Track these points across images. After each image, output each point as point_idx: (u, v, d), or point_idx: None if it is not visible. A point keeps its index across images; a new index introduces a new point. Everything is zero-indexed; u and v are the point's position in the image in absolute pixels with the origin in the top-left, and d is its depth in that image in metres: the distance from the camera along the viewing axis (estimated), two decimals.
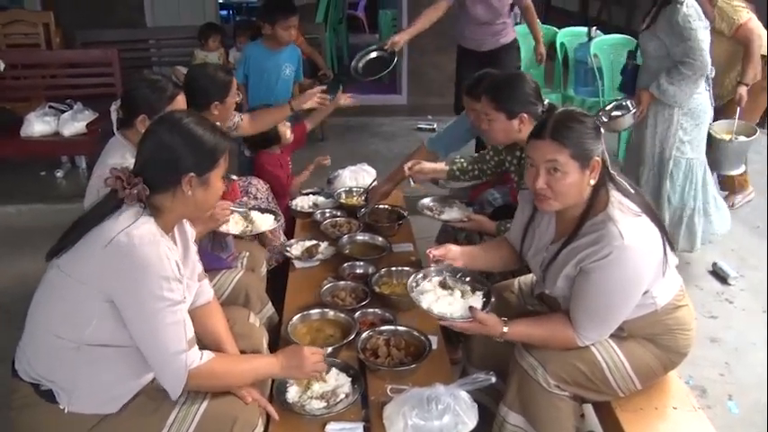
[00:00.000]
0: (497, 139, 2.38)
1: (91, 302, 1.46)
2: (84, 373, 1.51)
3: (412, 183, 2.90)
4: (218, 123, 2.68)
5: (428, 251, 2.01)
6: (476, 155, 2.86)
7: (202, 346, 1.62)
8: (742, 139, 3.51)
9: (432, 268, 2.00)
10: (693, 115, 3.17)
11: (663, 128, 3.20)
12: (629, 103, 3.27)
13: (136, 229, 1.44)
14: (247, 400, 1.66)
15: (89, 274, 1.45)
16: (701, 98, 3.17)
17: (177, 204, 1.55)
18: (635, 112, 3.20)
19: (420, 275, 1.98)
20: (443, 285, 1.93)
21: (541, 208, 1.79)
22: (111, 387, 1.55)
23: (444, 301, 1.86)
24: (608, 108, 3.39)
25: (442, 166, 2.79)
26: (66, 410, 1.51)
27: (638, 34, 3.35)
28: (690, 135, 3.20)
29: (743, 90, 3.55)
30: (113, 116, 2.22)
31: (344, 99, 3.20)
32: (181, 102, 2.18)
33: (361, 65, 3.51)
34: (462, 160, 2.80)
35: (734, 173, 3.79)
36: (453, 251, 2.00)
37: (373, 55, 3.67)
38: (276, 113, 3.12)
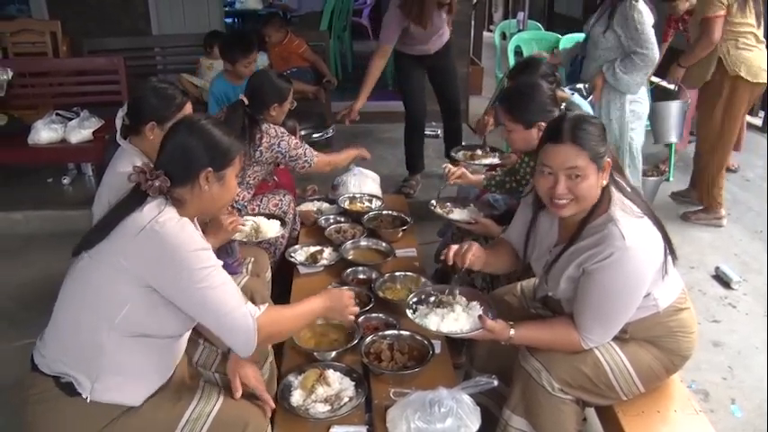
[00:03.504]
0: (518, 146, 2.42)
1: (126, 287, 1.50)
2: (110, 361, 1.53)
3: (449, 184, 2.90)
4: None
5: (449, 253, 1.98)
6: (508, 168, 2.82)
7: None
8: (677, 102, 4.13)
9: (427, 288, 2.09)
10: (638, 103, 3.53)
11: (616, 115, 3.49)
12: (582, 86, 3.48)
13: (162, 217, 1.51)
14: (239, 391, 1.72)
15: (124, 263, 1.49)
16: (645, 89, 3.57)
17: (195, 198, 1.62)
18: (590, 99, 3.45)
19: (413, 301, 2.00)
20: (439, 304, 1.95)
21: (559, 213, 1.75)
22: (136, 378, 1.58)
23: (449, 319, 1.87)
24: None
25: (480, 178, 2.79)
26: (88, 400, 1.53)
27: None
28: (636, 122, 3.55)
29: (675, 70, 3.99)
30: (118, 124, 2.24)
31: None
32: (188, 110, 2.23)
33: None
34: (498, 173, 2.78)
35: (674, 140, 4.34)
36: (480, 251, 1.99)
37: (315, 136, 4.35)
38: None
